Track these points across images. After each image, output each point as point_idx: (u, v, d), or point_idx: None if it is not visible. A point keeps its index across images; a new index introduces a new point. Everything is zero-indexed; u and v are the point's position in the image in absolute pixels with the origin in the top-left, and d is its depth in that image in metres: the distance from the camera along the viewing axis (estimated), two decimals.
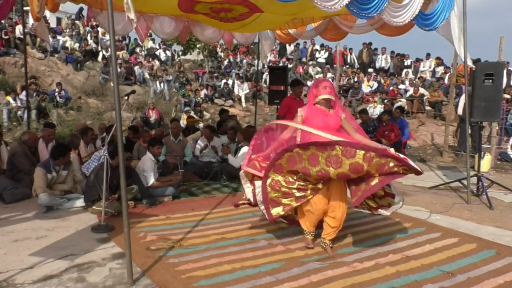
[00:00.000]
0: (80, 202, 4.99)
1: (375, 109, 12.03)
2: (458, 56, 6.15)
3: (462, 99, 8.86)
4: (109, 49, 10.64)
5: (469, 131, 6.81)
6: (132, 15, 3.24)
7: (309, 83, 15.24)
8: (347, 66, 17.04)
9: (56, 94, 11.37)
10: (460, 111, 9.10)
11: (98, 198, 4.68)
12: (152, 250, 3.66)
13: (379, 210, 3.82)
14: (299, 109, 3.83)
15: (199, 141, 7.29)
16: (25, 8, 8.36)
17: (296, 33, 8.06)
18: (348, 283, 3.10)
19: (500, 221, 4.80)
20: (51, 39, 14.09)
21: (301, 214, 3.87)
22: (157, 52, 17.52)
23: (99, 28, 16.27)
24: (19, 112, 10.18)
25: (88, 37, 16.34)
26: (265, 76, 15.41)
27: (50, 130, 6.45)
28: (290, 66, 15.71)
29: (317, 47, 18.07)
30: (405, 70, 16.04)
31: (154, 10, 6.86)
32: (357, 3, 4.66)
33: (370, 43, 17.04)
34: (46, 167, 5.00)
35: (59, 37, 14.95)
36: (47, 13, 7.19)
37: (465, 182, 5.89)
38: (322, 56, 17.60)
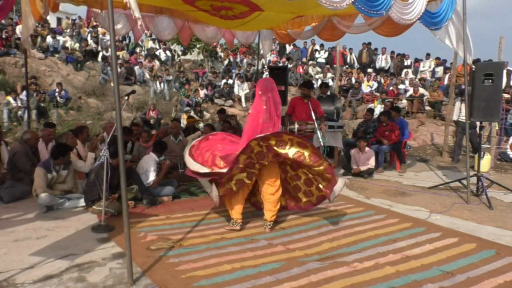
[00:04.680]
0: (80, 202, 4.99)
1: (375, 109, 12.03)
2: (458, 56, 6.16)
3: (457, 104, 8.72)
4: (109, 49, 10.65)
5: (469, 131, 6.80)
6: (137, 14, 3.25)
7: None
8: (347, 66, 17.06)
9: (56, 94, 11.39)
10: (455, 117, 8.82)
11: (99, 198, 4.68)
12: (152, 250, 3.66)
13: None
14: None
15: None
16: (25, 8, 8.35)
17: (294, 33, 8.08)
18: (348, 283, 3.10)
19: (500, 221, 4.80)
20: (50, 40, 14.10)
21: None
22: (157, 52, 17.54)
23: (99, 28, 16.29)
24: (19, 112, 10.19)
25: (88, 37, 16.35)
26: (265, 76, 15.42)
27: (49, 129, 6.45)
28: (290, 66, 15.72)
29: (317, 47, 18.09)
30: (405, 70, 16.05)
31: (156, 2, 6.80)
32: (366, 0, 4.66)
33: (370, 43, 17.06)
34: (46, 167, 5.00)
35: (59, 37, 14.96)
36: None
37: (465, 182, 5.89)
38: (322, 56, 17.63)
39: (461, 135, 8.60)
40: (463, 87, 10.66)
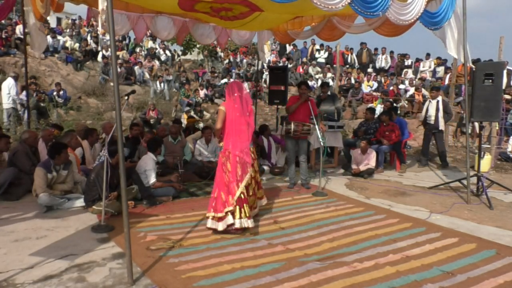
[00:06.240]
0: (80, 202, 4.99)
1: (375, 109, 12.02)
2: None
3: (426, 104, 8.40)
4: (109, 49, 10.62)
5: (469, 131, 6.80)
6: (100, 5, 3.26)
7: (309, 83, 15.28)
8: (347, 66, 17.06)
9: (55, 93, 11.39)
10: (422, 117, 8.46)
11: (98, 198, 4.67)
12: (152, 250, 3.66)
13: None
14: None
15: (198, 142, 7.28)
16: (25, 8, 8.36)
17: (293, 33, 8.08)
18: (348, 283, 3.10)
19: (500, 221, 4.80)
20: (50, 40, 14.10)
21: None
22: (157, 52, 17.53)
23: (98, 28, 16.29)
24: (19, 112, 10.18)
25: (88, 37, 16.35)
26: (265, 76, 15.42)
27: (50, 129, 6.44)
28: (290, 66, 15.73)
29: (317, 47, 18.08)
30: (405, 70, 16.05)
31: (154, 7, 6.85)
32: (361, 1, 4.65)
33: (365, 43, 17.04)
34: (47, 167, 4.99)
35: (59, 37, 14.96)
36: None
37: (465, 182, 5.89)
38: (322, 56, 17.61)
39: (428, 138, 8.31)
40: (461, 88, 10.60)
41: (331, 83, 14.50)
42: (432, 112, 8.03)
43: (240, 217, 4.10)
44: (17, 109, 9.96)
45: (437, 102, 8.00)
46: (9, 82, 9.93)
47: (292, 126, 5.93)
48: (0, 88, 10.16)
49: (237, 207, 4.12)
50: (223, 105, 4.38)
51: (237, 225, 4.09)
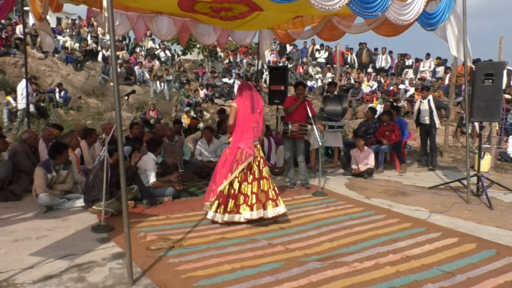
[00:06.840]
0: (80, 202, 4.99)
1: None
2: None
3: (417, 103, 8.33)
4: (109, 49, 10.62)
5: (469, 131, 6.79)
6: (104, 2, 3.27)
7: (309, 83, 15.29)
8: (347, 66, 17.05)
9: (56, 93, 11.39)
10: (415, 117, 8.34)
11: (98, 199, 4.67)
12: (152, 250, 3.66)
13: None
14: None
15: (199, 142, 7.28)
16: (25, 8, 8.36)
17: (294, 32, 8.08)
18: (348, 283, 3.10)
19: (500, 221, 4.80)
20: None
21: None
22: (157, 52, 17.53)
23: (99, 28, 16.31)
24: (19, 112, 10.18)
25: (88, 37, 16.35)
26: (265, 76, 15.41)
27: (50, 129, 6.44)
28: (290, 66, 15.72)
29: (317, 47, 18.07)
30: (405, 70, 16.04)
31: (154, 7, 6.86)
32: (359, 1, 4.65)
33: (365, 43, 17.03)
34: (46, 167, 4.99)
35: (59, 37, 14.96)
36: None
37: (465, 182, 5.89)
38: (322, 56, 17.60)
39: (423, 138, 8.27)
40: (461, 88, 10.58)
41: None
42: (425, 112, 8.02)
43: (216, 211, 4.33)
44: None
45: (428, 101, 8.00)
46: (22, 84, 9.96)
47: (290, 126, 5.93)
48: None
49: (216, 201, 4.33)
50: (235, 102, 4.57)
51: (208, 217, 4.37)
